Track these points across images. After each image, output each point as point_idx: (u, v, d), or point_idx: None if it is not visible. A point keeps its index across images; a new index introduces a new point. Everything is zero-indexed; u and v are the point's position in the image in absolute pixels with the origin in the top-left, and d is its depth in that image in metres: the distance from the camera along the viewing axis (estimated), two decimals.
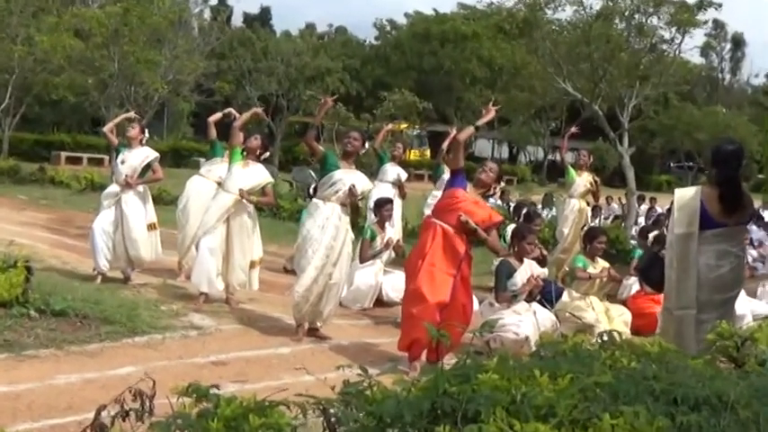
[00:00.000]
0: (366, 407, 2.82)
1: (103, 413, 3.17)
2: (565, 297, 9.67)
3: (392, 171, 13.51)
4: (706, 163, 10.56)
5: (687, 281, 6.40)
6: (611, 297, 10.89)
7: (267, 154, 10.33)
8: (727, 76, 73.91)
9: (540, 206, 22.42)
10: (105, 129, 11.79)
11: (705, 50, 64.83)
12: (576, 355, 3.33)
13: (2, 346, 6.99)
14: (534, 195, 27.61)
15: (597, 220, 19.89)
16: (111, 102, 24.87)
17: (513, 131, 49.87)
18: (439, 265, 7.63)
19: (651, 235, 11.90)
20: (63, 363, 6.87)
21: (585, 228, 12.45)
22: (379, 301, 10.88)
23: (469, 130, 8.66)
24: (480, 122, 8.44)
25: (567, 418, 2.66)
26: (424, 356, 7.70)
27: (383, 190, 12.87)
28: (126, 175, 10.56)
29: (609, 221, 22.75)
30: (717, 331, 4.07)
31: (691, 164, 48.59)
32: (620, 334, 3.77)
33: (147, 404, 3.17)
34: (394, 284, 10.71)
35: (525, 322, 8.24)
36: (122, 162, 10.68)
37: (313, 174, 23.20)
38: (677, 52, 20.96)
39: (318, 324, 8.81)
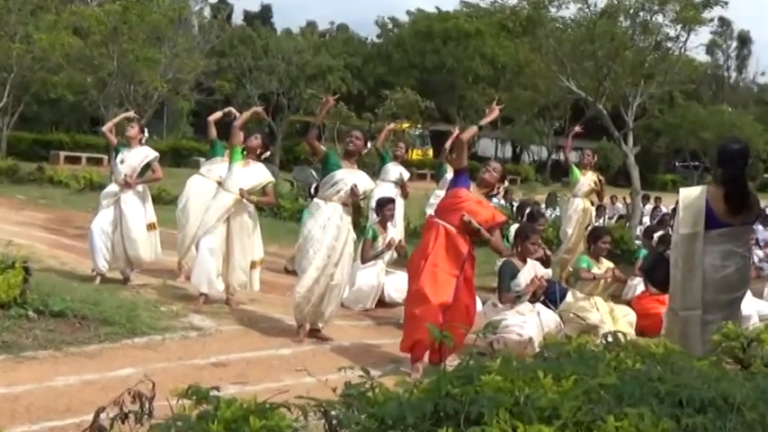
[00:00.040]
0: (368, 409, 2.82)
1: (102, 415, 3.17)
2: (569, 298, 9.66)
3: (394, 170, 13.51)
4: (711, 162, 10.55)
5: (692, 281, 6.39)
6: (616, 298, 10.89)
7: (268, 153, 10.34)
8: (733, 75, 73.80)
9: (543, 206, 22.45)
10: (104, 128, 11.80)
11: (711, 48, 64.79)
12: (581, 357, 3.34)
13: (0, 347, 6.99)
14: (538, 195, 27.61)
15: (601, 220, 19.88)
16: (111, 100, 24.86)
17: (517, 130, 49.90)
18: (442, 266, 7.62)
19: (656, 235, 11.89)
20: (62, 364, 6.87)
21: (590, 228, 12.44)
22: (381, 302, 10.88)
23: (473, 129, 8.65)
24: (484, 122, 8.44)
25: (571, 420, 2.66)
26: (426, 358, 7.69)
27: (385, 189, 12.86)
28: (125, 175, 10.57)
29: (613, 221, 22.74)
30: (723, 332, 4.07)
31: (696, 163, 48.59)
32: (624, 335, 3.77)
33: (147, 406, 3.17)
34: (396, 285, 10.70)
35: (529, 323, 8.23)
36: (121, 162, 10.69)
37: (314, 173, 23.22)
38: (682, 50, 20.91)
39: (320, 325, 8.81)
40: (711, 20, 21.05)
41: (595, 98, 19.82)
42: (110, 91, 25.04)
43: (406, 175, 13.70)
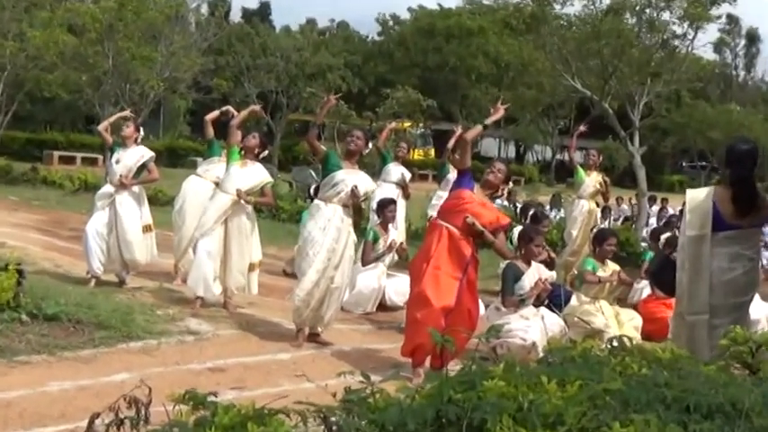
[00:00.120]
0: (368, 415, 2.82)
1: (97, 421, 3.17)
2: (573, 301, 9.67)
3: (396, 171, 13.51)
4: (719, 163, 10.55)
5: (699, 284, 6.39)
6: (622, 301, 10.89)
7: (266, 153, 10.33)
8: (742, 73, 73.96)
9: (547, 207, 22.45)
10: (100, 127, 11.79)
11: (718, 46, 64.78)
12: (585, 362, 3.34)
13: None
14: (542, 196, 27.67)
15: (607, 222, 19.90)
16: (106, 99, 24.84)
17: (521, 130, 49.94)
18: (444, 269, 7.62)
19: (663, 237, 11.89)
20: (56, 369, 6.88)
21: (595, 229, 12.46)
22: (382, 306, 10.89)
23: (478, 128, 8.65)
24: (489, 121, 8.44)
25: (576, 427, 2.66)
26: (428, 363, 7.70)
27: (386, 190, 12.88)
28: (120, 176, 10.56)
29: (619, 223, 22.79)
30: (730, 336, 4.07)
31: (704, 163, 48.58)
32: (630, 339, 3.77)
33: (143, 412, 3.17)
34: (397, 288, 10.72)
35: (533, 327, 8.23)
36: (117, 162, 10.68)
37: (314, 174, 23.25)
38: (690, 48, 20.95)
39: (319, 329, 8.81)
40: (719, 17, 21.10)
41: (601, 97, 19.84)
42: (105, 89, 25.02)
43: (408, 175, 13.72)
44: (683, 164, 58.29)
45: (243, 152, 9.88)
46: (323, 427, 2.86)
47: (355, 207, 8.63)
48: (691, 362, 3.51)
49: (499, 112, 8.39)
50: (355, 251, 9.27)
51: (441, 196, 11.96)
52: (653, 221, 21.71)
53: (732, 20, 63.38)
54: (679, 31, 20.23)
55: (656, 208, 24.73)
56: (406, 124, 32.62)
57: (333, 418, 2.86)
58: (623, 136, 19.86)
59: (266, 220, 16.92)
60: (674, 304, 7.21)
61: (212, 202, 9.79)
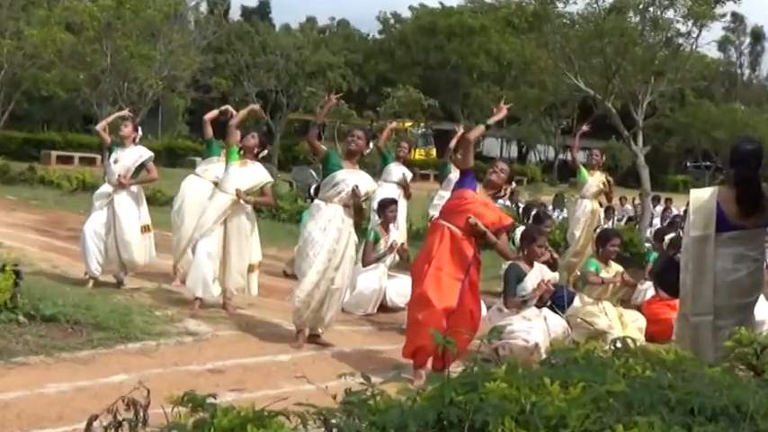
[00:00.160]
0: (369, 417, 2.82)
1: (95, 423, 3.17)
2: (576, 302, 9.67)
3: (397, 171, 13.51)
4: (724, 162, 10.55)
5: (703, 285, 6.39)
6: (625, 302, 10.90)
7: (265, 152, 10.32)
8: (746, 72, 73.99)
9: (550, 207, 22.45)
10: (98, 127, 11.79)
11: (723, 45, 64.85)
12: (589, 363, 3.33)
13: None
14: (544, 196, 27.65)
15: (610, 222, 19.89)
16: (104, 98, 24.85)
17: (523, 129, 49.96)
18: (446, 270, 7.62)
19: (667, 237, 11.89)
20: (53, 370, 6.88)
21: (598, 230, 12.46)
22: (383, 307, 10.88)
23: (480, 128, 8.64)
24: (492, 121, 8.44)
25: (579, 429, 2.66)
26: (429, 364, 7.70)
27: (387, 190, 12.88)
28: (119, 175, 10.55)
29: (622, 223, 22.78)
30: (735, 338, 4.06)
31: (708, 163, 48.61)
32: (634, 341, 3.77)
33: (141, 414, 3.17)
34: (398, 289, 10.72)
35: (535, 329, 8.23)
36: (115, 161, 10.67)
37: (314, 174, 23.25)
38: (694, 47, 20.90)
39: (319, 330, 8.81)
40: (724, 15, 21.04)
41: (604, 96, 19.83)
42: (103, 88, 25.02)
43: (409, 175, 13.71)
44: (687, 164, 58.33)
45: (242, 152, 9.88)
46: (323, 429, 2.86)
47: (356, 207, 8.63)
48: (695, 364, 3.51)
49: (502, 112, 8.38)
50: (356, 252, 9.27)
51: (442, 196, 11.97)
52: (657, 222, 21.72)
53: (737, 18, 63.57)
54: (683, 29, 20.23)
55: (659, 208, 24.74)
56: (408, 124, 32.65)
57: (333, 420, 2.86)
58: (626, 135, 19.86)
59: (266, 220, 16.92)
60: (678, 305, 7.21)
61: (211, 203, 9.79)
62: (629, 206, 26.88)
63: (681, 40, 20.78)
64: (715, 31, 49.91)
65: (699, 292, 6.43)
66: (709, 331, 6.32)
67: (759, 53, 74.56)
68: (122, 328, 8.09)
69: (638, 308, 10.85)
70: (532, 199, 24.76)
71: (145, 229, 10.79)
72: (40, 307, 7.94)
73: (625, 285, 10.08)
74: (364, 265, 10.80)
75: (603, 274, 9.74)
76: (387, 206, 11.31)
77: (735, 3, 19.91)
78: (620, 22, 20.15)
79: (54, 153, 34.52)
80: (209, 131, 11.61)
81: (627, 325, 9.56)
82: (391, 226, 11.32)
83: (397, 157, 13.90)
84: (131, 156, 10.72)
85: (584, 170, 13.63)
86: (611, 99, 20.10)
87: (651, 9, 19.85)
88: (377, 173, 13.39)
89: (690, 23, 19.87)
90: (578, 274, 11.49)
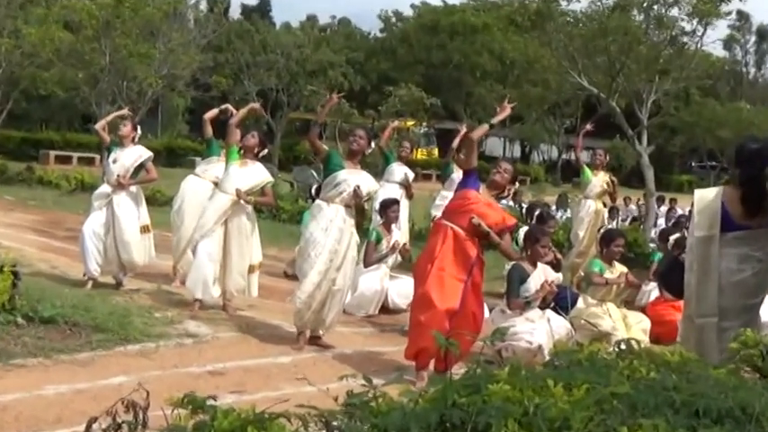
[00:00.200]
0: (371, 419, 2.82)
1: (94, 426, 3.17)
2: (580, 303, 9.67)
3: (399, 171, 13.50)
4: (729, 162, 10.54)
5: (708, 286, 6.38)
6: (629, 303, 10.88)
7: (265, 151, 10.31)
8: (752, 71, 73.88)
9: (554, 207, 22.48)
10: (97, 126, 11.80)
11: (728, 43, 64.83)
12: (592, 365, 3.33)
13: None
14: (548, 196, 27.69)
15: (614, 222, 19.91)
16: (103, 97, 24.86)
17: (526, 129, 49.93)
18: (449, 270, 7.62)
19: (672, 238, 11.88)
20: (52, 372, 6.88)
21: (602, 230, 12.45)
22: (385, 308, 10.89)
23: (484, 127, 8.62)
24: (496, 120, 8.45)
25: (583, 431, 2.66)
26: (431, 366, 7.70)
27: (389, 190, 12.87)
28: (118, 175, 10.56)
29: (627, 223, 22.80)
30: (740, 339, 4.06)
31: (713, 163, 48.55)
32: (638, 342, 3.76)
33: (141, 416, 3.17)
34: (400, 290, 10.72)
35: (539, 330, 8.23)
36: (114, 161, 10.68)
37: (315, 174, 23.26)
38: (699, 45, 20.92)
39: (321, 332, 8.82)
40: (729, 13, 21.08)
41: (608, 95, 19.83)
42: (102, 87, 25.03)
43: (411, 175, 13.71)
44: (692, 163, 58.26)
45: (242, 151, 9.88)
46: (324, 431, 2.87)
47: (358, 207, 8.63)
48: (700, 365, 3.51)
49: (505, 111, 8.39)
50: (357, 252, 9.27)
51: (444, 196, 11.97)
52: (661, 222, 21.73)
53: (742, 16, 63.39)
54: (688, 27, 20.22)
55: (664, 208, 24.75)
56: (410, 123, 32.64)
57: (334, 423, 2.86)
58: (631, 135, 19.87)
59: (267, 220, 16.92)
60: (682, 306, 7.21)
61: (211, 203, 9.79)
62: (633, 206, 26.89)
63: (686, 39, 20.79)
64: (720, 29, 49.69)
65: (703, 293, 6.41)
66: (714, 333, 6.30)
67: (765, 52, 74.42)
68: (121, 329, 8.10)
69: (643, 309, 10.85)
70: (536, 199, 24.78)
71: (144, 229, 10.80)
72: (39, 308, 7.95)
73: (629, 286, 10.07)
74: (366, 265, 10.79)
75: (607, 275, 9.74)
76: (389, 206, 11.30)
77: (740, 1, 19.93)
78: (624, 20, 20.15)
79: (52, 153, 34.53)
80: (209, 131, 11.61)
81: (631, 326, 9.55)
82: (393, 226, 11.32)
83: (399, 156, 13.89)
84: (130, 155, 10.72)
85: (587, 170, 13.63)
86: (615, 98, 20.10)
87: (655, 7, 19.85)
88: (379, 173, 13.37)
89: (695, 22, 19.87)
90: (582, 274, 11.47)
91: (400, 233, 11.91)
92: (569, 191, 27.04)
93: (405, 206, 12.96)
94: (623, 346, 3.69)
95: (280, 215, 18.83)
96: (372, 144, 9.43)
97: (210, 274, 9.60)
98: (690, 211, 11.17)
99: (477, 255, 7.75)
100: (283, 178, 25.33)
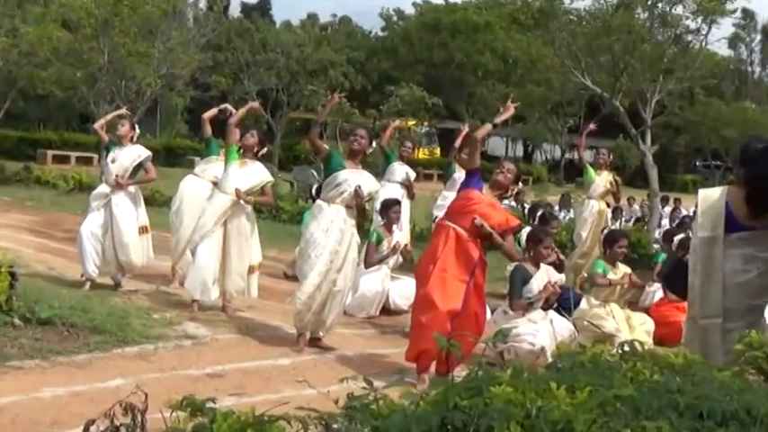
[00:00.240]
0: (371, 422, 2.82)
1: (92, 428, 3.17)
2: (583, 304, 9.66)
3: (400, 171, 13.51)
4: (734, 162, 10.54)
5: (712, 287, 6.37)
6: (633, 304, 10.87)
7: (264, 150, 10.31)
8: (757, 70, 73.80)
9: (556, 208, 22.46)
10: (96, 125, 11.82)
11: (733, 42, 64.84)
12: (596, 367, 3.33)
13: None
14: (551, 196, 27.67)
15: (618, 223, 19.90)
16: (101, 97, 24.88)
17: (529, 128, 49.91)
18: (451, 271, 7.62)
19: (676, 238, 11.87)
20: (49, 374, 6.88)
21: (605, 231, 12.44)
22: (386, 309, 10.89)
23: (487, 127, 8.62)
24: (499, 120, 8.44)
25: None
26: (433, 368, 7.70)
27: (391, 191, 12.87)
28: (116, 175, 10.56)
29: (630, 224, 22.77)
30: (745, 341, 4.06)
31: (718, 163, 48.59)
32: (642, 344, 3.76)
33: (139, 419, 3.17)
34: (401, 291, 10.72)
35: (541, 331, 8.23)
36: (112, 161, 10.68)
37: (316, 174, 23.26)
38: (703, 44, 20.92)
39: (321, 333, 8.82)
40: (734, 11, 21.08)
41: (611, 94, 19.84)
42: (100, 87, 25.05)
43: (413, 175, 13.71)
44: (697, 163, 58.28)
45: (241, 151, 9.88)
46: None
47: (359, 208, 8.63)
48: (704, 367, 3.51)
49: (509, 111, 8.38)
50: (358, 253, 9.27)
51: (446, 196, 11.98)
52: (665, 222, 21.71)
53: (747, 14, 63.45)
54: (692, 25, 20.24)
55: (668, 208, 24.72)
56: (411, 122, 32.62)
57: (335, 426, 2.86)
58: (634, 134, 19.86)
59: (266, 221, 16.94)
60: (687, 308, 7.20)
61: (211, 203, 9.79)
62: (637, 206, 26.86)
63: (690, 37, 20.81)
64: (725, 27, 49.99)
65: (707, 294, 6.41)
66: (719, 334, 6.30)
67: None
68: (120, 331, 8.10)
69: (647, 310, 10.84)
70: (539, 199, 24.80)
71: (143, 230, 10.80)
72: (36, 310, 7.95)
73: (633, 287, 10.07)
74: (367, 266, 10.79)
75: (611, 276, 9.74)
76: (390, 207, 11.30)
77: None
78: (628, 18, 20.16)
79: (50, 152, 34.56)
80: (208, 130, 11.61)
81: (635, 328, 9.55)
82: (394, 227, 11.31)
83: (401, 156, 13.90)
84: (129, 155, 10.72)
85: (591, 170, 13.62)
86: (618, 97, 20.11)
87: (660, 5, 19.87)
88: (380, 173, 13.38)
89: (699, 20, 19.88)
90: (585, 275, 11.49)
91: (401, 234, 11.91)
92: (572, 191, 27.02)
93: (406, 206, 12.97)
94: (627, 348, 3.69)
95: (280, 215, 18.84)
96: (373, 144, 9.42)
97: (209, 275, 9.60)
98: (694, 212, 11.16)
99: (479, 256, 7.75)
100: (283, 178, 25.34)
